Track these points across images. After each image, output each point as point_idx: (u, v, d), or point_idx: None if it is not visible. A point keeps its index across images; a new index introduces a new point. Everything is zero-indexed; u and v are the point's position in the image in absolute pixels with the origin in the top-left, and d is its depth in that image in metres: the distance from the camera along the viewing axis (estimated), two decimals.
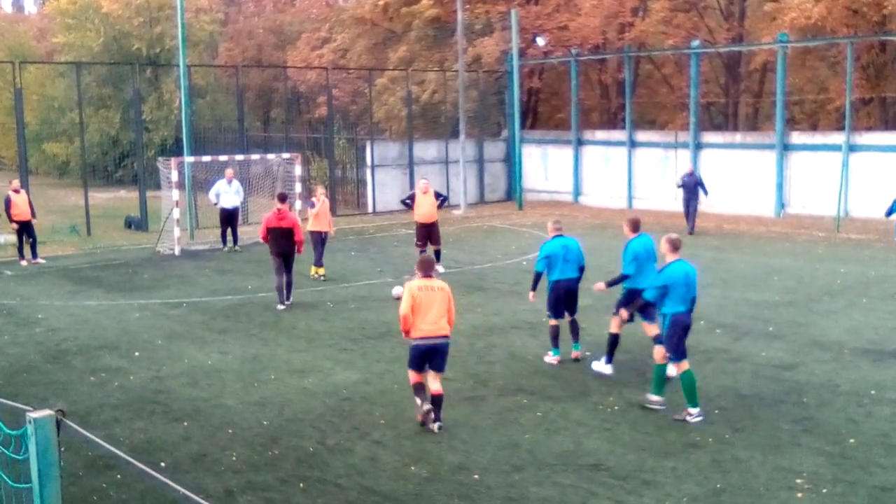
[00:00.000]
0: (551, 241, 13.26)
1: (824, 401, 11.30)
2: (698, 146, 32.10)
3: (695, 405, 10.59)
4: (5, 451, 5.67)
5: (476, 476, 9.14)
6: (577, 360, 13.15)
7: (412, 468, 9.38)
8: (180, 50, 28.47)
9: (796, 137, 30.57)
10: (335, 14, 44.88)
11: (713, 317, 15.81)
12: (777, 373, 12.54)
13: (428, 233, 20.85)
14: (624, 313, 12.18)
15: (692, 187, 27.29)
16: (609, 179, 34.77)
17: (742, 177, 30.92)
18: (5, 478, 5.82)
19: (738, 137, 32.87)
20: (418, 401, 10.60)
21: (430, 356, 10.53)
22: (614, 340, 12.60)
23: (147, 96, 41.55)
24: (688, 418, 10.55)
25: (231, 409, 11.36)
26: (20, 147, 28.64)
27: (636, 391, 11.75)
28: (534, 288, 13.42)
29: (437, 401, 10.55)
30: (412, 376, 10.71)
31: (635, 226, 12.61)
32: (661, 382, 11.07)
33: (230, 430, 10.55)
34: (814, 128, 35.64)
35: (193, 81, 37.98)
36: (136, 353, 14.08)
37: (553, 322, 13.19)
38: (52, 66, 46.49)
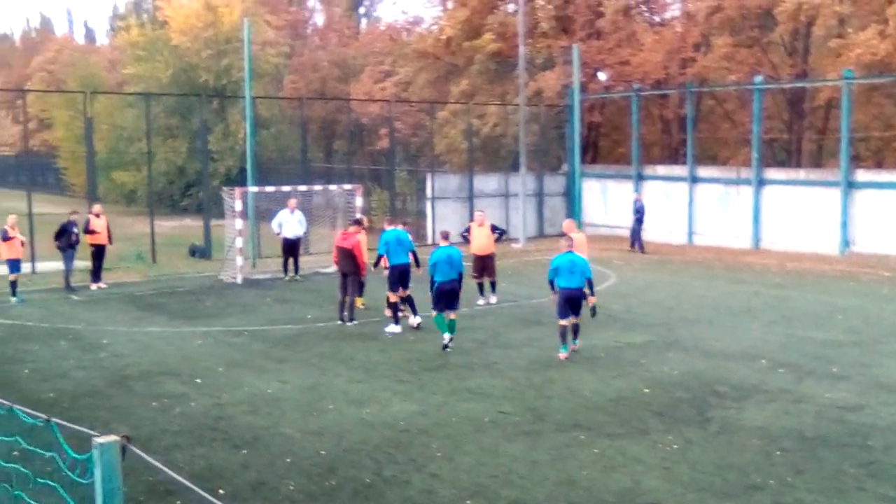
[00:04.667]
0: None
1: (890, 444, 11.04)
2: (760, 182, 31.78)
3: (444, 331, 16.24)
4: (70, 475, 5.79)
5: None
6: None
7: (468, 502, 9.35)
8: (246, 82, 29.04)
9: (861, 175, 30.09)
10: (398, 48, 45.40)
11: (776, 356, 15.58)
12: (841, 414, 12.30)
13: (483, 265, 20.89)
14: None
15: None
16: (669, 215, 34.51)
17: (805, 214, 30.51)
18: (70, 501, 5.95)
19: (801, 174, 32.43)
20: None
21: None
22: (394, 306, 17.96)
23: (213, 127, 42.29)
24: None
25: (289, 437, 11.45)
26: (89, 175, 29.40)
27: (696, 429, 11.62)
28: (552, 290, 15.81)
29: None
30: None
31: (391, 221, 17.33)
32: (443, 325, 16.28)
33: (288, 459, 10.62)
34: (879, 165, 35.06)
35: (258, 113, 38.57)
36: (198, 380, 14.28)
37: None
38: (122, 96, 47.47)
